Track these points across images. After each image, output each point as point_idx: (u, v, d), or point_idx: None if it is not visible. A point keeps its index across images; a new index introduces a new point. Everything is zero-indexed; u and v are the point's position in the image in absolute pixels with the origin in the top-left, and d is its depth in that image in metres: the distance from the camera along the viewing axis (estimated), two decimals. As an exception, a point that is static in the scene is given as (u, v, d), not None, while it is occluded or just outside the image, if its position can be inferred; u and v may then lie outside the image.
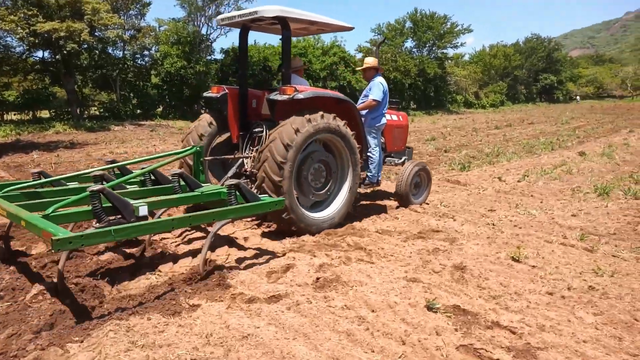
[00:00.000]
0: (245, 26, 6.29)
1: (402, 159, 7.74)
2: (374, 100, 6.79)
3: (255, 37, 60.37)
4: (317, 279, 4.09)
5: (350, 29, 6.70)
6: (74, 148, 15.59)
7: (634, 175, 10.28)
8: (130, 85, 34.17)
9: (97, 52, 30.59)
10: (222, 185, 5.49)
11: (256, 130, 6.05)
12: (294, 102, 5.42)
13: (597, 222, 6.44)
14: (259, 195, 4.76)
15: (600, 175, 10.66)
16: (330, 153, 6.01)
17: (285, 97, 5.40)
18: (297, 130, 5.24)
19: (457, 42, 57.32)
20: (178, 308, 3.56)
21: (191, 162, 5.87)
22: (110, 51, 32.01)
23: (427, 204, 7.42)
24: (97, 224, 3.78)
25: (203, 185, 5.19)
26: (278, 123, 5.49)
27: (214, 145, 6.43)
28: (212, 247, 4.92)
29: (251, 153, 6.07)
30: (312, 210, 5.85)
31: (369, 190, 8.42)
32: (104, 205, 3.88)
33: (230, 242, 5.33)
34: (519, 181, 9.98)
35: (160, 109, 36.49)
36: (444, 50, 57.65)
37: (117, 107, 31.43)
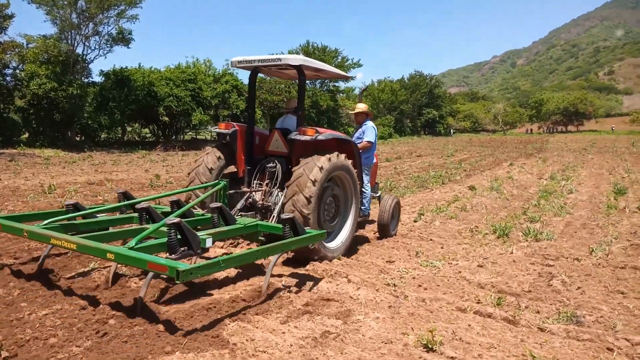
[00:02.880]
0: (256, 69, 6.72)
1: (379, 194, 8.34)
2: (368, 142, 7.57)
3: (141, 60, 56.88)
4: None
5: (350, 78, 8.38)
6: None
7: (526, 212, 10.02)
8: (-14, 108, 29.71)
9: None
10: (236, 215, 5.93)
11: (269, 165, 6.46)
12: (315, 142, 5.89)
13: (507, 276, 5.63)
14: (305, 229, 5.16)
15: (494, 212, 10.31)
16: (337, 187, 6.42)
17: (307, 137, 5.86)
18: (321, 168, 5.70)
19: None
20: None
21: (199, 194, 6.09)
22: (-42, 67, 27.64)
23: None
24: (172, 255, 4.08)
25: (237, 218, 5.58)
26: (290, 159, 6.29)
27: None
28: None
29: (261, 187, 6.46)
30: (325, 241, 6.05)
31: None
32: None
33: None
34: (415, 221, 9.22)
35: (26, 135, 32.20)
36: (336, 84, 58.71)
37: (-33, 133, 26.99)
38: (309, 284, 5.07)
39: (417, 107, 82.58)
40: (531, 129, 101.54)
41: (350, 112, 8.53)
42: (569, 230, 8.40)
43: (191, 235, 4.16)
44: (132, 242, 4.10)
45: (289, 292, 4.71)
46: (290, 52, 59.07)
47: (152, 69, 37.19)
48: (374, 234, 8.06)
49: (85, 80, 33.72)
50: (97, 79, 35.44)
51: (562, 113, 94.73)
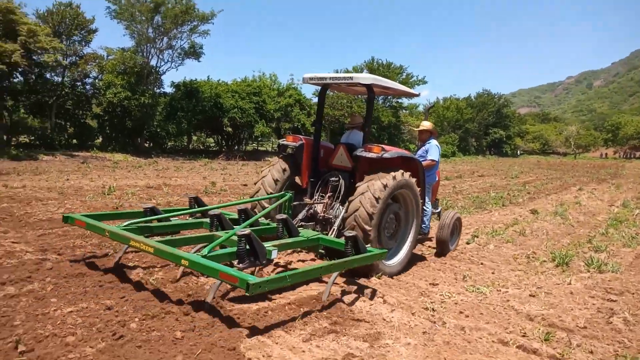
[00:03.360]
0: (326, 85, 6.96)
1: (439, 209, 8.33)
2: (432, 160, 7.55)
3: (210, 73, 58.96)
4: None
5: (417, 95, 8.28)
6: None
7: (592, 240, 9.26)
8: (68, 113, 31.84)
9: (32, 76, 28.33)
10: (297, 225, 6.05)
11: (332, 179, 6.61)
12: (380, 159, 5.89)
13: (562, 308, 5.14)
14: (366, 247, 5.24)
15: (556, 238, 9.61)
16: (398, 204, 6.41)
17: (373, 155, 5.89)
18: (385, 185, 5.74)
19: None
20: None
21: (265, 204, 6.47)
22: (48, 76, 29.80)
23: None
24: (240, 265, 4.27)
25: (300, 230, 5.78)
26: (354, 174, 6.39)
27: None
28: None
29: (323, 199, 6.54)
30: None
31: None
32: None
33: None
34: (467, 243, 8.75)
35: (100, 139, 34.24)
36: (399, 100, 58.11)
37: (51, 136, 28.95)
38: (342, 301, 4.86)
39: (483, 127, 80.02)
40: (606, 154, 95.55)
41: (414, 129, 8.47)
42: (639, 263, 7.64)
43: (259, 247, 4.36)
44: (205, 251, 4.32)
45: (319, 311, 4.52)
46: (355, 68, 59.31)
47: (220, 81, 38.46)
48: (421, 253, 7.72)
49: (157, 90, 35.40)
50: (168, 89, 37.28)
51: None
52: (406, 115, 62.38)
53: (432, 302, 5.03)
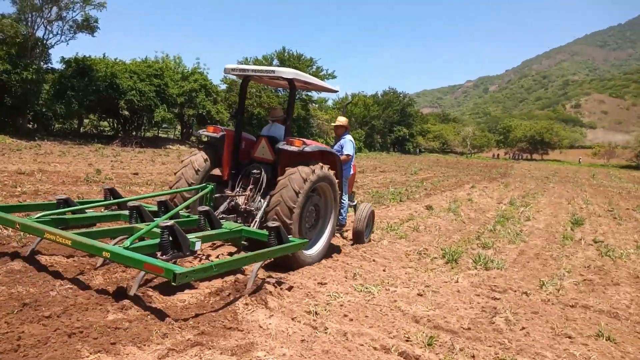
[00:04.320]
0: (248, 77, 6.97)
1: (355, 202, 8.57)
2: (348, 155, 7.79)
3: (107, 51, 55.17)
4: None
5: (336, 91, 8.20)
6: None
7: (480, 237, 9.53)
8: None
9: None
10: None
11: (254, 171, 6.65)
12: (301, 153, 6.01)
13: (448, 308, 5.02)
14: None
15: (448, 234, 9.79)
16: (318, 196, 6.56)
17: (295, 148, 6.00)
18: (305, 179, 5.85)
19: (322, 86, 58.29)
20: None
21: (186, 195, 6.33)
22: None
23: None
24: (163, 256, 4.19)
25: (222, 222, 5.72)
26: (275, 167, 6.50)
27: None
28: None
29: (245, 192, 6.57)
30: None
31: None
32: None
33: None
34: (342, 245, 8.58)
35: (-30, 118, 30.33)
36: (309, 93, 58.21)
37: None
38: (217, 305, 4.32)
39: (388, 124, 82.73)
40: (498, 154, 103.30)
41: (324, 123, 8.61)
42: (522, 260, 7.91)
43: (182, 238, 4.32)
44: (127, 242, 4.29)
45: (184, 320, 3.94)
46: (265, 57, 58.44)
47: (117, 60, 35.84)
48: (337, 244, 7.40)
49: (44, 65, 32.15)
50: (57, 65, 33.85)
51: (529, 141, 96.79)
52: (315, 108, 62.66)
53: (316, 305, 4.65)
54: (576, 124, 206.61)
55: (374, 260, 7.05)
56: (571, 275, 7.06)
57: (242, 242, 5.95)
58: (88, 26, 32.11)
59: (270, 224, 5.21)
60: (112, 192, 6.25)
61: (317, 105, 63.25)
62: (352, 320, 4.38)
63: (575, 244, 9.66)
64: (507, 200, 17.25)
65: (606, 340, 4.43)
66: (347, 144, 7.89)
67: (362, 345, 3.82)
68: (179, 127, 45.92)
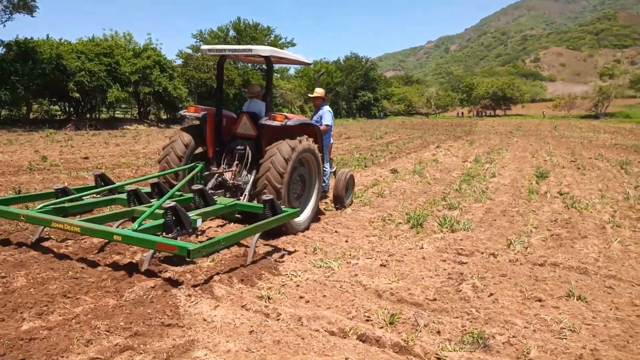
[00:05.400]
0: (224, 56, 7.10)
1: (334, 168, 8.93)
2: (327, 125, 8.17)
3: (50, 32, 52.06)
4: None
5: (310, 64, 8.30)
6: None
7: (446, 197, 9.29)
8: None
9: None
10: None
11: (238, 147, 6.84)
12: (284, 127, 6.31)
13: (412, 278, 4.71)
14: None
15: (413, 197, 9.52)
16: (303, 167, 6.88)
17: (278, 123, 6.29)
18: (293, 149, 6.17)
19: (281, 55, 56.93)
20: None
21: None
22: None
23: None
24: (168, 235, 4.47)
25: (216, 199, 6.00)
26: (259, 142, 6.71)
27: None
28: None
29: (231, 167, 6.79)
30: None
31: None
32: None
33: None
34: (325, 209, 8.23)
35: None
36: (270, 62, 56.70)
37: None
38: (154, 302, 3.87)
39: (352, 90, 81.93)
40: (462, 113, 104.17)
41: (310, 95, 8.74)
42: (488, 219, 7.71)
43: (184, 217, 4.58)
44: (135, 225, 4.48)
45: (108, 323, 3.49)
46: (220, 29, 56.57)
47: (62, 40, 33.81)
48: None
49: (-19, 48, 30.06)
50: (-3, 49, 31.69)
51: (491, 97, 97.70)
52: (277, 78, 61.38)
53: (269, 288, 4.26)
54: (536, 77, 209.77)
55: (336, 232, 6.70)
56: (538, 231, 6.88)
57: (236, 215, 6.46)
58: (25, 6, 30.04)
59: (265, 197, 5.49)
60: (102, 178, 6.44)
61: (278, 75, 61.92)
62: (308, 302, 4.02)
63: (541, 198, 9.54)
64: (472, 157, 17.16)
65: (577, 299, 4.21)
66: (326, 114, 8.26)
67: (317, 331, 3.46)
68: (135, 106, 44.25)
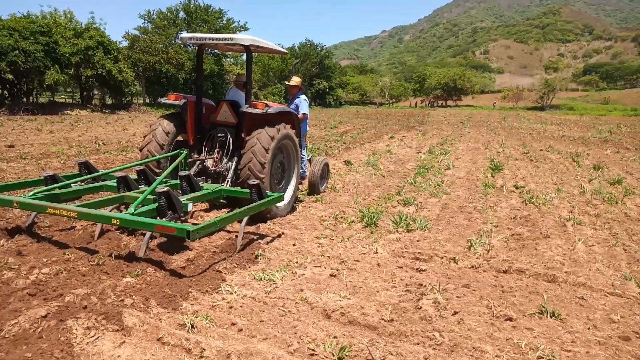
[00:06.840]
0: (204, 45, 7.18)
1: (310, 156, 8.97)
2: (304, 114, 8.27)
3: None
4: None
5: (286, 53, 8.74)
6: None
7: (401, 192, 8.78)
8: None
9: None
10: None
11: (219, 135, 7.03)
12: (264, 115, 6.46)
13: (366, 292, 4.10)
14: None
15: (367, 191, 8.96)
16: (282, 154, 7.04)
17: (258, 110, 6.42)
18: (272, 137, 6.36)
19: (234, 40, 55.32)
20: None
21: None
22: None
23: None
24: (163, 219, 4.59)
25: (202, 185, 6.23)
26: (239, 129, 6.88)
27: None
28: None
29: (212, 154, 6.96)
30: None
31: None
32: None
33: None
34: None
35: None
36: (220, 48, 54.96)
37: None
38: (42, 337, 3.07)
39: (307, 78, 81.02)
40: (415, 103, 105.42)
41: (287, 83, 8.87)
42: (445, 215, 7.23)
43: (177, 202, 4.77)
44: (131, 209, 4.65)
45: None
46: (169, 9, 54.28)
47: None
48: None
49: None
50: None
51: (443, 88, 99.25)
52: (230, 64, 59.68)
53: (195, 312, 3.52)
54: (485, 69, 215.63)
55: (283, 233, 6.00)
56: (498, 230, 6.44)
57: (221, 200, 6.67)
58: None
59: (251, 182, 5.70)
60: (86, 166, 6.40)
61: (232, 61, 60.22)
62: (241, 330, 3.31)
63: (498, 192, 9.20)
64: (426, 148, 16.85)
65: (551, 317, 3.71)
66: (303, 103, 8.41)
67: (249, 369, 2.77)
68: (77, 90, 41.75)
